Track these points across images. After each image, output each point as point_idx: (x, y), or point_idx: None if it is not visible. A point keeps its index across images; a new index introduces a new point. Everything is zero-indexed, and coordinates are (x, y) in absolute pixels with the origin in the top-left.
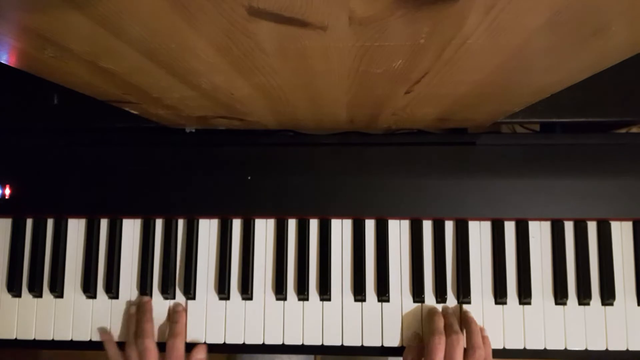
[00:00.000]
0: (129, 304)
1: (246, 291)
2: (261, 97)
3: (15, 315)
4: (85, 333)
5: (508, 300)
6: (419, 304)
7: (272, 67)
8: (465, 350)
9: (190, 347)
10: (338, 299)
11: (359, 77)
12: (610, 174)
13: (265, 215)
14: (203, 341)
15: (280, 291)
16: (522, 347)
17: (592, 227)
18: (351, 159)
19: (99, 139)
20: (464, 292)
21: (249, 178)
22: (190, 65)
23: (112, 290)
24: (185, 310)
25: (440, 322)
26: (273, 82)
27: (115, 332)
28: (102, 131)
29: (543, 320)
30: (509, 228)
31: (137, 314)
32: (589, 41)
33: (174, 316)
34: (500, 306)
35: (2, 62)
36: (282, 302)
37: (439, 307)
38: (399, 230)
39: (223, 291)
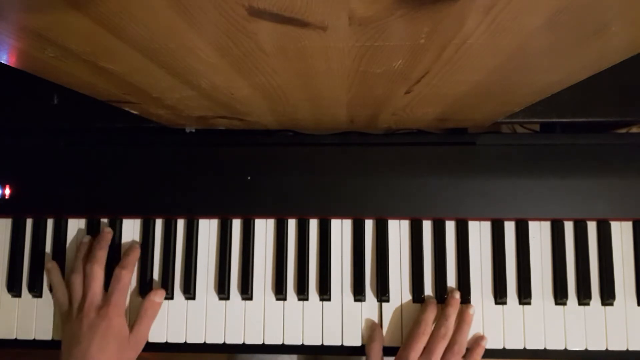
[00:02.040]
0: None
1: (246, 291)
2: (261, 97)
3: (15, 315)
4: None
5: (508, 300)
6: (419, 304)
7: (272, 67)
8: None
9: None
10: (338, 299)
11: (358, 77)
12: (610, 174)
13: (265, 215)
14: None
15: (280, 291)
16: (522, 347)
17: (592, 227)
18: (351, 159)
19: (99, 139)
20: (463, 292)
21: (249, 178)
22: (190, 65)
23: None
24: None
25: (431, 314)
26: (273, 82)
27: None
28: (102, 131)
29: (543, 320)
30: (509, 228)
31: (93, 242)
32: (589, 41)
33: (128, 251)
34: (500, 306)
35: (2, 62)
36: (282, 302)
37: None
38: (398, 230)
39: (223, 291)
